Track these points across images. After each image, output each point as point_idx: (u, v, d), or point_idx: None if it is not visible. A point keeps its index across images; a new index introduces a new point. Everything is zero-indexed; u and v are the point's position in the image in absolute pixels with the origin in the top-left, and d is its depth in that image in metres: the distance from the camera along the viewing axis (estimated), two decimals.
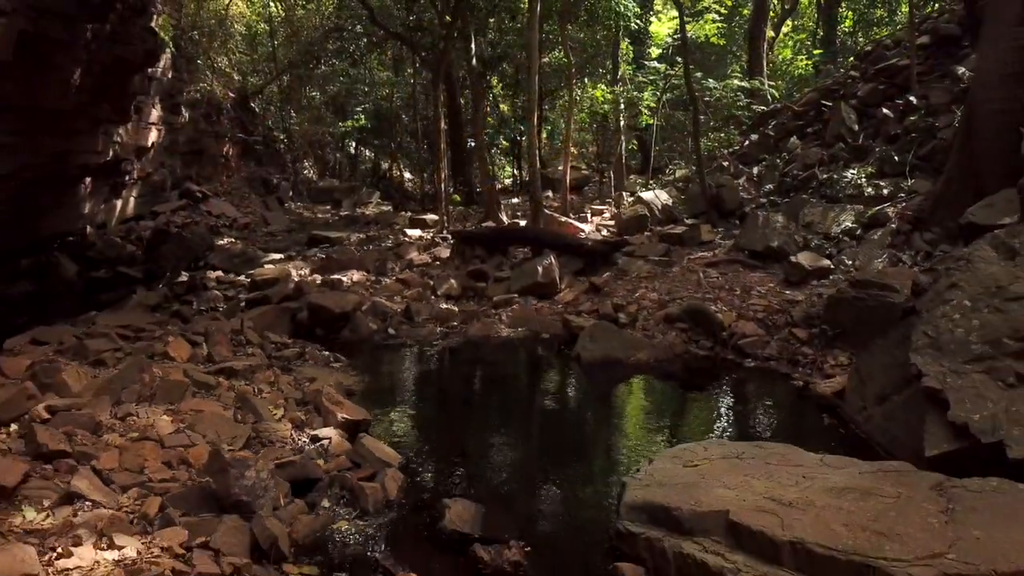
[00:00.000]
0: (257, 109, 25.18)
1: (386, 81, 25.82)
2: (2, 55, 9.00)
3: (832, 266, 8.59)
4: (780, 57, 21.92)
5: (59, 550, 3.31)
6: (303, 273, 10.14)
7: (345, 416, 5.44)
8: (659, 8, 27.53)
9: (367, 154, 32.11)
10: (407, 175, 30.26)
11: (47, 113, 10.72)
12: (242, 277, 10.40)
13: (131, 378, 5.14)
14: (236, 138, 22.72)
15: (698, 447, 4.73)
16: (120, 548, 3.41)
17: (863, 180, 10.09)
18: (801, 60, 20.37)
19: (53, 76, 10.47)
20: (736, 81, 17.07)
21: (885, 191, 9.83)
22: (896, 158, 10.36)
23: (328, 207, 22.70)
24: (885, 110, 11.94)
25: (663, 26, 25.19)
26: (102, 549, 3.39)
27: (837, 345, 7.02)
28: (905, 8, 18.54)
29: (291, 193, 23.96)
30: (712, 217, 11.58)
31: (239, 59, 24.23)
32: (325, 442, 5.10)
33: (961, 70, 11.07)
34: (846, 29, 23.42)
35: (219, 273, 10.46)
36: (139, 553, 3.41)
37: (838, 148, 11.75)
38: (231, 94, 23.54)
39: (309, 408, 5.64)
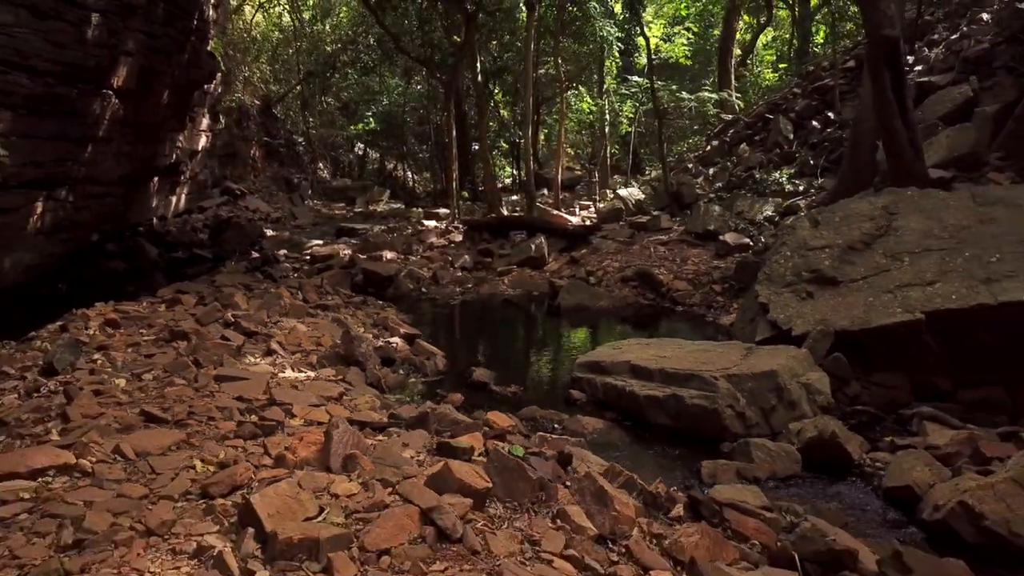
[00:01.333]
0: (279, 115, 28.57)
1: (394, 88, 29.04)
2: (130, 85, 12.39)
3: (751, 243, 11.91)
4: (755, 70, 25.22)
5: (276, 371, 6.62)
6: (347, 252, 13.46)
7: (405, 331, 8.77)
8: (649, 19, 30.88)
9: (373, 155, 35.43)
10: (411, 175, 33.59)
11: (144, 126, 14.05)
12: (298, 255, 13.73)
13: (273, 303, 8.47)
14: (262, 141, 26.07)
15: (623, 342, 8.04)
16: (305, 372, 6.73)
17: (784, 179, 13.42)
18: (767, 72, 23.72)
19: (152, 98, 13.82)
20: (706, 93, 20.42)
21: (800, 187, 13.16)
22: (812, 162, 13.71)
23: (342, 204, 25.84)
24: (814, 122, 15.30)
25: (652, 35, 28.53)
26: (296, 373, 6.70)
27: (740, 295, 10.34)
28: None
29: (310, 191, 27.25)
30: (673, 209, 14.91)
31: (264, 70, 27.61)
32: (394, 344, 8.40)
33: None
34: (819, 41, 26.62)
35: (284, 251, 13.80)
36: (316, 375, 6.71)
37: (775, 153, 15.11)
38: (256, 101, 26.88)
39: (380, 328, 8.95)
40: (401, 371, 7.74)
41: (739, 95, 21.60)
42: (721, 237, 11.90)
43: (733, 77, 21.55)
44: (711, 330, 9.72)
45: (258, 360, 6.82)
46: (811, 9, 24.29)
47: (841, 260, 7.65)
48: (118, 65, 11.87)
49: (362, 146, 34.72)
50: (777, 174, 13.76)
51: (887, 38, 9.75)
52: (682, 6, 22.78)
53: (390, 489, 3.68)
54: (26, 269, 10.84)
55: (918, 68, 13.51)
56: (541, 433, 5.50)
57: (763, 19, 26.90)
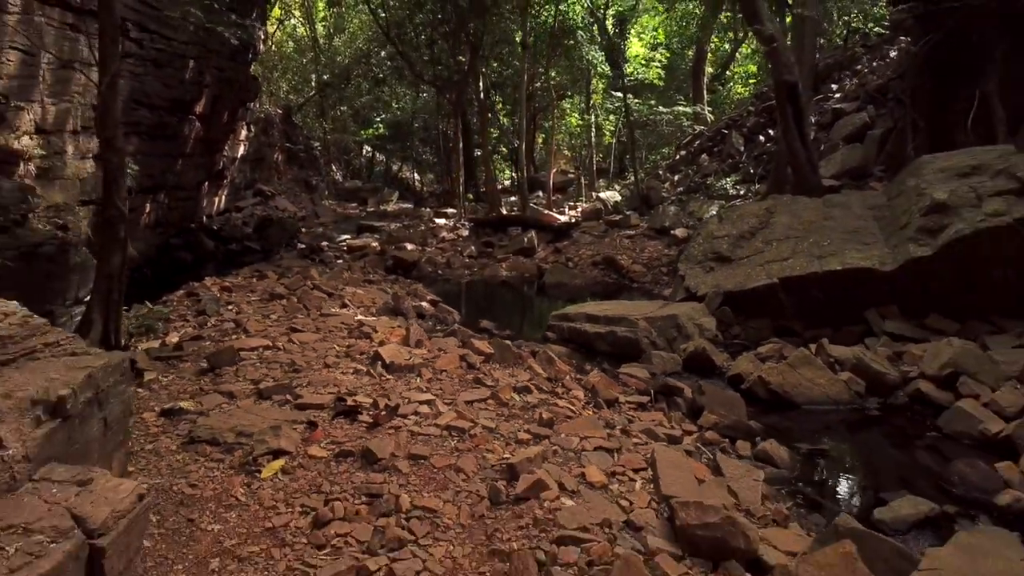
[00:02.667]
0: (298, 122, 32.51)
1: (403, 97, 32.91)
2: (206, 111, 16.30)
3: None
4: (727, 85, 29.10)
5: (353, 316, 10.49)
6: (376, 244, 17.35)
7: (430, 298, 12.66)
8: (639, 29, 34.73)
9: (379, 157, 39.34)
10: (415, 176, 37.49)
11: (210, 141, 17.94)
12: (336, 246, 17.64)
13: (339, 275, 12.36)
14: (284, 147, 29.97)
15: (585, 304, 11.91)
16: (373, 316, 10.60)
17: (729, 185, 17.31)
18: (739, 87, 27.62)
19: (217, 118, 17.72)
20: (680, 108, 24.32)
21: (741, 192, 17.03)
22: (752, 171, 17.59)
23: (354, 204, 29.60)
24: (761, 137, 19.18)
25: (642, 46, 32.42)
26: (365, 316, 10.57)
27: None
28: (834, 39, 25.72)
29: (326, 192, 31.11)
30: (642, 209, 18.79)
31: (288, 79, 31.56)
32: (423, 305, 12.27)
33: None
34: None
35: (326, 243, 17.71)
36: (378, 317, 10.59)
37: (727, 163, 18.98)
38: (279, 110, 30.80)
39: (412, 295, 12.83)
40: (430, 322, 11.61)
41: (711, 108, 25.49)
42: (673, 232, 15.78)
43: (706, 92, 25.44)
44: (655, 300, 13.59)
45: (338, 309, 10.70)
46: (787, 25, 28.09)
47: (734, 245, 11.53)
48: (201, 97, 15.83)
49: (370, 149, 38.64)
50: (725, 180, 17.64)
51: (786, 82, 13.63)
52: (659, 32, 26.70)
53: (443, 351, 7.57)
54: (140, 256, 14.75)
55: (837, 95, 17.39)
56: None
57: (740, 35, 30.82)
